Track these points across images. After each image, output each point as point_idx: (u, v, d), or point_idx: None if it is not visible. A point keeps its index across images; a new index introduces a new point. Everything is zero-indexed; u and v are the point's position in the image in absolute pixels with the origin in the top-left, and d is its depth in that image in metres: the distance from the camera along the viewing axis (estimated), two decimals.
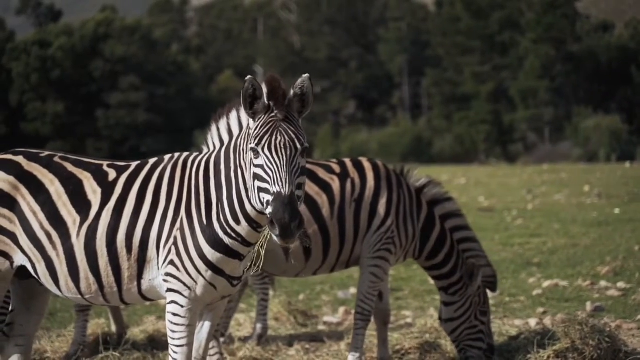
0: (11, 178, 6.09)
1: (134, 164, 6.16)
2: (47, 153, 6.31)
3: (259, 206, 5.53)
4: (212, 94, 69.02)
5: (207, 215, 5.80)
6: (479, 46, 66.65)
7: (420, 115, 72.19)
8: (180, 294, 5.84)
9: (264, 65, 72.44)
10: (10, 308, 6.57)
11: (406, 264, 14.59)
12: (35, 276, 6.11)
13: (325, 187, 7.77)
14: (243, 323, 10.32)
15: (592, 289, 11.88)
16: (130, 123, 64.63)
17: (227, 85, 70.00)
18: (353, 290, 12.41)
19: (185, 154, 6.11)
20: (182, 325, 5.87)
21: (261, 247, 5.75)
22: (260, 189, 5.43)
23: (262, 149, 5.44)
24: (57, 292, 6.12)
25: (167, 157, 6.14)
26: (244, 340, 9.46)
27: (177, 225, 5.83)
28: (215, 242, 5.77)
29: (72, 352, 8.80)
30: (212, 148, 6.01)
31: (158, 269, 5.89)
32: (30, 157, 6.23)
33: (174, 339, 5.90)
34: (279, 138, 5.48)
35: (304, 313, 10.43)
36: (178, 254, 5.80)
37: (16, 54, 66.38)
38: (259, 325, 9.56)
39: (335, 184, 7.82)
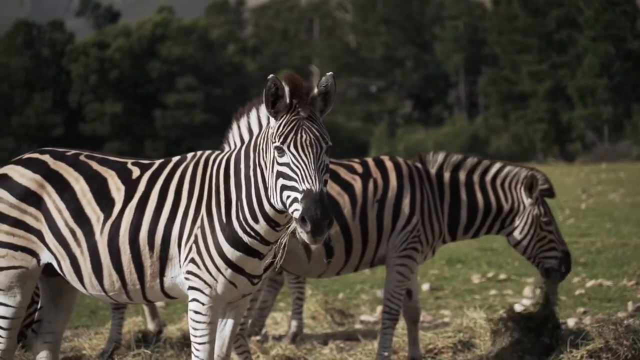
0: (37, 176, 6.17)
1: (157, 162, 6.21)
2: (73, 152, 6.38)
3: (278, 205, 5.52)
4: None
5: (226, 213, 5.81)
6: (536, 44, 65.95)
7: (477, 114, 71.74)
8: (201, 291, 5.86)
9: (319, 65, 72.48)
10: (38, 305, 6.66)
11: (450, 264, 14.55)
12: (61, 273, 6.18)
13: (347, 187, 7.74)
14: (280, 321, 10.34)
15: (637, 289, 11.71)
16: (187, 123, 65.13)
17: None
18: None
19: (208, 152, 6.13)
20: (204, 322, 5.90)
21: (282, 243, 5.72)
22: (285, 187, 5.42)
23: (288, 147, 5.44)
24: (82, 290, 6.18)
25: (189, 155, 6.17)
26: (279, 338, 9.48)
27: (198, 223, 5.86)
28: (235, 241, 5.78)
29: (108, 349, 8.89)
30: (233, 146, 6.03)
31: (180, 266, 5.92)
32: (57, 156, 6.30)
33: (196, 336, 5.93)
34: (304, 136, 5.48)
35: (341, 312, 10.42)
36: (198, 252, 5.83)
37: (75, 56, 67.33)
38: (294, 324, 9.58)
39: (358, 184, 7.79)
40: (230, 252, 5.79)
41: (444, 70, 74.50)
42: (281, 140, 5.46)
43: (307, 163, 5.40)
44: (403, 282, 7.88)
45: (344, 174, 7.83)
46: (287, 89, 5.55)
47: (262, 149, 5.70)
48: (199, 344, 5.92)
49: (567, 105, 63.19)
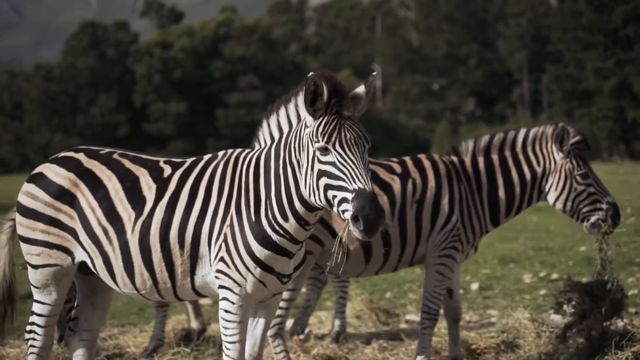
0: (71, 175, 6.22)
1: (189, 160, 6.21)
2: (107, 150, 6.42)
3: (320, 204, 5.48)
4: None
5: (255, 212, 5.79)
6: (601, 41, 64.96)
7: (541, 112, 70.89)
8: (231, 290, 5.85)
9: (381, 63, 72.30)
10: (75, 303, 6.72)
11: (502, 263, 14.39)
12: (95, 271, 6.22)
13: (385, 187, 7.65)
14: (324, 320, 10.31)
15: None
16: (250, 122, 65.23)
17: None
18: None
19: (238, 150, 6.12)
20: (234, 322, 5.89)
21: (340, 243, 5.62)
22: (330, 187, 5.39)
23: (333, 146, 5.41)
24: (115, 288, 6.22)
25: (220, 153, 6.17)
26: (322, 337, 9.44)
27: (227, 222, 5.84)
28: (264, 239, 5.76)
29: (151, 348, 8.94)
30: (263, 145, 6.00)
31: (210, 265, 5.91)
32: (91, 154, 6.35)
33: (226, 335, 5.92)
34: (348, 135, 5.45)
35: (386, 311, 10.35)
36: (228, 251, 5.81)
37: (139, 56, 68.05)
38: (337, 323, 9.54)
39: (396, 184, 7.71)
40: (259, 250, 5.77)
41: (507, 68, 73.78)
42: (325, 139, 5.42)
43: (355, 162, 5.38)
44: (443, 282, 7.80)
45: (382, 174, 7.75)
46: (325, 88, 5.50)
47: (295, 147, 5.67)
48: (230, 342, 5.91)
49: (633, 102, 62.10)
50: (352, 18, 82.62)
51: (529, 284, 12.62)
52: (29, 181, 6.36)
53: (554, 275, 13.08)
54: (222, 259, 5.84)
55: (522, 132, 8.06)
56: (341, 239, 5.47)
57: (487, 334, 8.68)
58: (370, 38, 79.68)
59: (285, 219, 5.73)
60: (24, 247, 6.33)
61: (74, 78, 69.00)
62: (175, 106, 65.83)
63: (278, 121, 5.97)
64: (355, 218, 5.23)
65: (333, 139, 5.42)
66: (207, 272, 5.94)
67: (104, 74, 68.96)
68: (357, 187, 5.28)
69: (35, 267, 6.28)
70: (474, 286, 12.30)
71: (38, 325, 6.39)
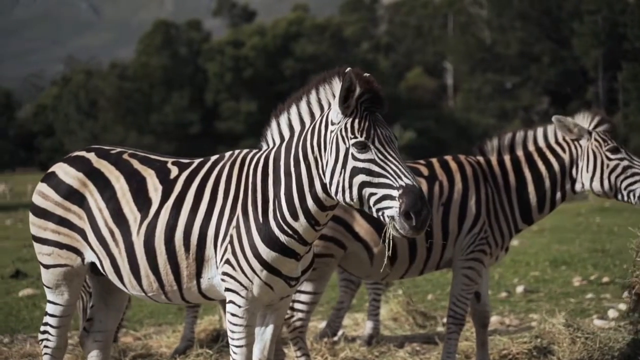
0: (80, 175, 6.18)
1: (196, 161, 6.12)
2: (118, 149, 6.35)
3: (352, 201, 5.31)
4: (401, 91, 69.00)
5: (263, 212, 5.66)
6: None
7: (616, 110, 69.66)
8: (237, 293, 5.74)
9: (453, 61, 71.75)
10: (90, 304, 6.69)
11: (554, 265, 14.08)
12: (104, 273, 6.18)
13: None
14: (361, 322, 10.17)
15: None
16: None
17: (416, 82, 69.83)
18: None
19: (245, 150, 6.00)
20: (241, 325, 5.77)
21: (387, 244, 5.45)
22: (369, 184, 5.24)
23: (372, 143, 5.29)
24: (124, 289, 6.16)
25: (227, 153, 6.06)
26: (354, 340, 9.32)
27: (234, 223, 5.72)
28: (271, 240, 5.63)
29: (181, 348, 8.91)
30: (271, 144, 5.87)
31: (216, 267, 5.80)
32: (101, 154, 6.30)
33: (233, 339, 5.80)
34: (384, 131, 5.36)
35: (423, 314, 10.16)
36: (234, 253, 5.70)
37: (211, 55, 68.52)
38: (369, 325, 9.41)
39: (423, 187, 7.52)
40: (266, 252, 5.64)
41: (582, 66, 72.70)
42: (364, 135, 5.29)
43: (396, 158, 5.27)
44: (470, 286, 7.60)
45: None
46: (358, 85, 5.37)
47: (313, 144, 5.52)
48: (236, 346, 5.80)
49: None
50: (424, 16, 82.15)
51: (577, 287, 12.29)
52: (42, 180, 6.35)
53: (605, 279, 12.73)
54: (227, 261, 5.72)
55: (540, 127, 7.82)
56: (388, 239, 5.30)
57: (519, 338, 8.45)
58: (442, 36, 79.10)
59: (295, 218, 5.59)
60: (36, 246, 6.32)
61: (147, 77, 69.77)
62: (247, 105, 66.13)
63: (289, 120, 5.84)
64: (406, 215, 5.08)
65: (372, 135, 5.31)
66: (214, 275, 5.82)
67: (176, 73, 69.61)
68: (404, 184, 5.15)
69: (46, 267, 6.26)
70: (519, 289, 12.03)
71: (51, 326, 6.37)
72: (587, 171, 7.55)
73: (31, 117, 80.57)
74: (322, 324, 10.10)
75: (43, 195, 6.26)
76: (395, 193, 5.16)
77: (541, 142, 7.77)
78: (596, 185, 7.52)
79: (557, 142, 7.72)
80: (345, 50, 69.56)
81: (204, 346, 8.69)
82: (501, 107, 71.14)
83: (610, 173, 7.47)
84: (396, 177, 5.20)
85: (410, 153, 46.17)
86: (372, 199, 5.25)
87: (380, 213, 5.23)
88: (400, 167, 5.23)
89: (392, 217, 5.17)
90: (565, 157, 7.66)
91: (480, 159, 7.80)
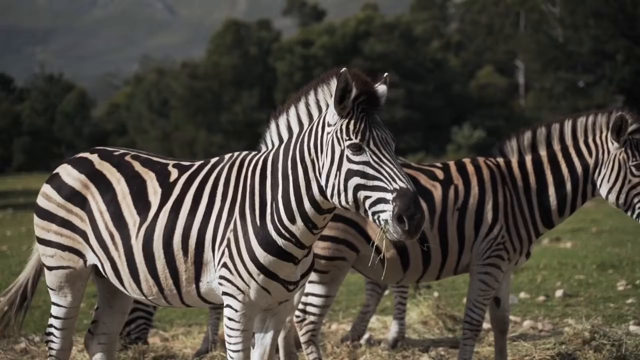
0: (82, 176, 6.19)
1: (196, 164, 6.09)
2: (121, 151, 6.35)
3: (347, 204, 5.24)
4: (471, 90, 68.39)
5: (260, 216, 5.60)
6: None
7: None
8: (234, 297, 5.69)
9: (524, 60, 70.91)
10: (95, 306, 6.70)
11: (601, 269, 13.77)
12: (105, 275, 6.17)
13: (425, 195, 7.28)
14: (389, 326, 10.04)
15: None
16: (389, 120, 64.92)
17: (486, 81, 69.13)
18: (522, 295, 11.84)
19: (244, 153, 5.96)
20: (238, 330, 5.73)
21: (379, 249, 5.34)
22: (363, 187, 5.17)
23: (368, 145, 5.21)
24: (126, 292, 6.15)
25: (227, 156, 6.02)
26: (379, 343, 9.22)
27: (231, 226, 5.67)
28: (268, 244, 5.56)
29: (203, 349, 8.91)
30: (270, 146, 5.81)
31: (215, 271, 5.77)
32: (104, 156, 6.30)
33: (230, 343, 5.77)
34: (380, 133, 5.28)
35: (453, 317, 9.99)
36: (231, 257, 5.65)
37: (281, 54, 68.68)
38: (394, 329, 9.31)
39: (438, 192, 7.36)
40: (263, 256, 5.58)
41: None
42: (359, 137, 5.22)
43: (391, 161, 5.19)
44: (487, 292, 7.44)
45: (424, 180, 7.41)
46: (354, 85, 5.29)
47: (310, 146, 5.46)
48: (233, 351, 5.76)
49: None
50: (495, 14, 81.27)
51: (620, 291, 11.96)
52: (46, 182, 6.38)
53: None
54: (225, 265, 5.68)
55: (568, 123, 7.50)
56: (378, 243, 5.22)
57: (543, 345, 8.27)
58: (514, 34, 78.08)
59: (293, 221, 5.52)
60: (40, 248, 6.36)
61: (217, 76, 70.17)
62: None
63: (288, 121, 5.77)
64: (399, 218, 5.00)
65: (367, 137, 5.22)
66: (212, 279, 5.79)
67: (246, 72, 69.88)
68: (398, 187, 5.07)
69: (49, 268, 6.30)
70: (558, 293, 11.77)
71: (55, 328, 6.41)
72: (608, 181, 7.34)
73: (105, 116, 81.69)
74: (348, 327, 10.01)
75: (46, 196, 6.29)
76: (389, 196, 5.07)
77: (569, 140, 7.52)
78: (612, 197, 7.33)
79: (585, 142, 7.48)
80: (415, 49, 69.17)
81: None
82: (574, 106, 69.98)
83: (630, 189, 7.26)
84: (390, 180, 5.11)
85: (481, 152, 45.67)
86: (367, 202, 5.16)
87: (375, 217, 5.15)
88: (395, 169, 5.14)
89: (386, 221, 5.08)
90: (591, 161, 7.42)
91: (500, 160, 7.60)
